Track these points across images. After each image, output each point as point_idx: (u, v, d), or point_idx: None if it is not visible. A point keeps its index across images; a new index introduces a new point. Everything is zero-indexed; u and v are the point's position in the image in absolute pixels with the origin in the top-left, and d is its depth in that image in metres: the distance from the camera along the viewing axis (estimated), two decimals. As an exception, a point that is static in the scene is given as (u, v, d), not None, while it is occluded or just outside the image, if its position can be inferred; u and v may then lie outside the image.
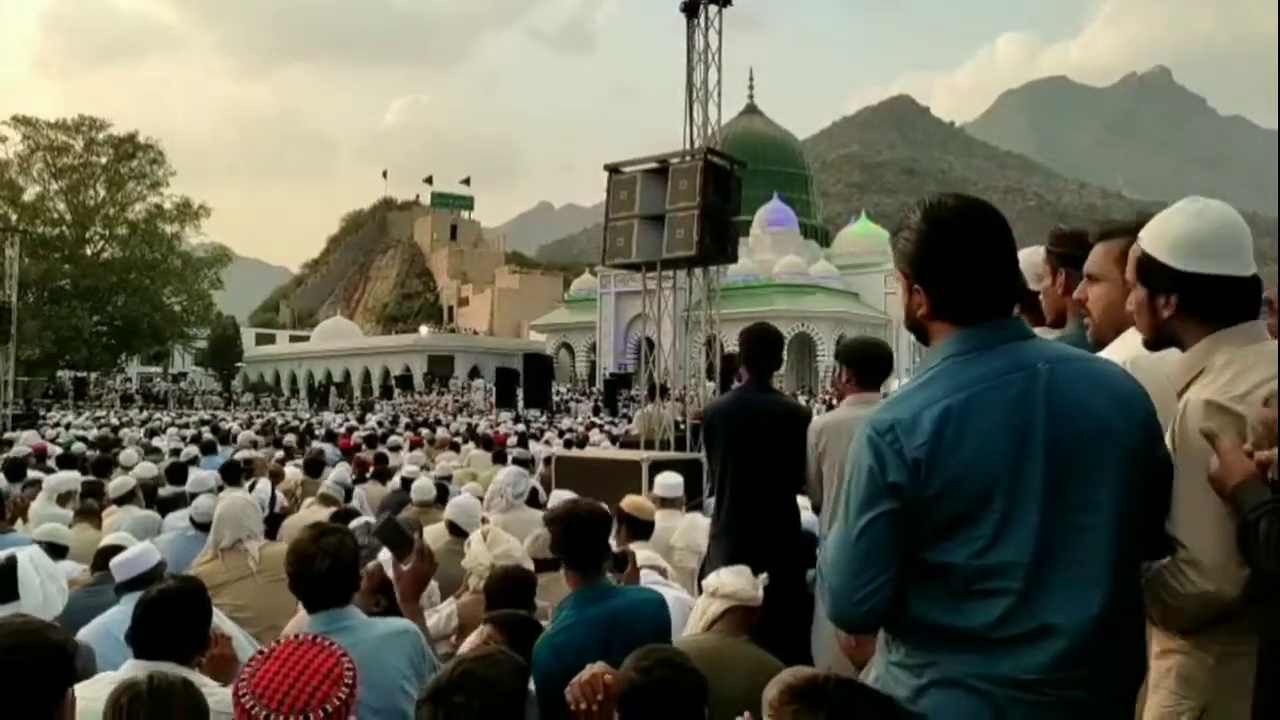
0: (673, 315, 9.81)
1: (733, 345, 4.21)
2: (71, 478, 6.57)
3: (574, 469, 7.64)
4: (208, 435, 13.39)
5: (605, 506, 2.83)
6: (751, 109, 62.65)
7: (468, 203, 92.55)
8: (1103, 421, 1.50)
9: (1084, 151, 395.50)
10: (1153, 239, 1.72)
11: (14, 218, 42.83)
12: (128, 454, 9.83)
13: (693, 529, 4.58)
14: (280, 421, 23.96)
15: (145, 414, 33.18)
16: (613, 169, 9.10)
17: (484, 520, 4.53)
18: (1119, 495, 1.49)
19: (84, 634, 2.95)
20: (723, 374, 10.34)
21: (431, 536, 4.35)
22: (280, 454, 10.76)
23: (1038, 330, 2.50)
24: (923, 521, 1.49)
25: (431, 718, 1.66)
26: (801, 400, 27.86)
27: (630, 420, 17.22)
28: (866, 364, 3.68)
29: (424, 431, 16.17)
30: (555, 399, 34.41)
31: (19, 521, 5.64)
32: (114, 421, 24.11)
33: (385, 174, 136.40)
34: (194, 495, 5.68)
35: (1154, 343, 1.77)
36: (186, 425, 20.78)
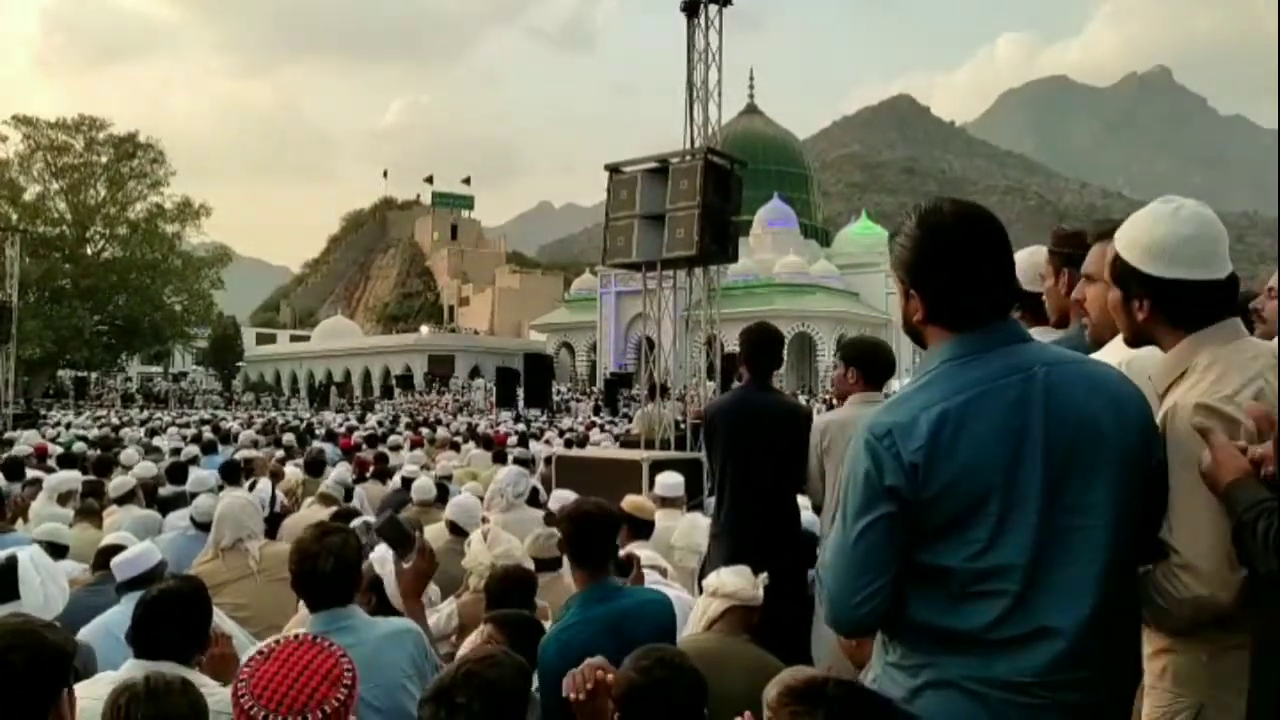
0: (673, 315, 9.81)
1: (733, 345, 4.22)
2: (72, 477, 6.58)
3: (574, 468, 7.64)
4: (208, 435, 13.40)
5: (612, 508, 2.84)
6: (752, 108, 62.65)
7: (468, 202, 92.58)
8: (1099, 424, 1.50)
9: (1084, 151, 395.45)
10: (1126, 243, 1.71)
11: (14, 217, 42.76)
12: (128, 453, 9.84)
13: (693, 529, 4.57)
14: (281, 421, 23.98)
15: (146, 413, 33.19)
16: (613, 169, 9.10)
17: (484, 520, 4.53)
18: (1116, 498, 1.49)
19: (84, 633, 2.95)
20: (723, 374, 10.33)
21: (432, 536, 4.34)
22: (280, 454, 10.76)
23: (1042, 330, 2.51)
24: (920, 524, 1.49)
25: (433, 717, 1.66)
26: (801, 400, 27.87)
27: (630, 420, 17.22)
28: (872, 363, 3.68)
29: (424, 431, 16.17)
30: (555, 399, 34.42)
31: (20, 521, 5.64)
32: (114, 421, 24.13)
33: (386, 173, 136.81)
34: (194, 495, 5.68)
35: (1132, 343, 1.77)
36: (187, 425, 20.80)
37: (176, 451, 10.11)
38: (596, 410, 32.43)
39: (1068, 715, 1.46)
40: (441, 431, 16.13)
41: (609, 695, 1.95)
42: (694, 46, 10.07)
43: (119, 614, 3.00)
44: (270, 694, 1.67)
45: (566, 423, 22.88)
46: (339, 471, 7.20)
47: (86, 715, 1.88)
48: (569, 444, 12.37)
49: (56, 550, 4.23)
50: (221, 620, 2.90)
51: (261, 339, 76.57)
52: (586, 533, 2.66)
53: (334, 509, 5.35)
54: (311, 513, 5.67)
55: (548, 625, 2.75)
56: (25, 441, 11.80)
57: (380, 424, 20.96)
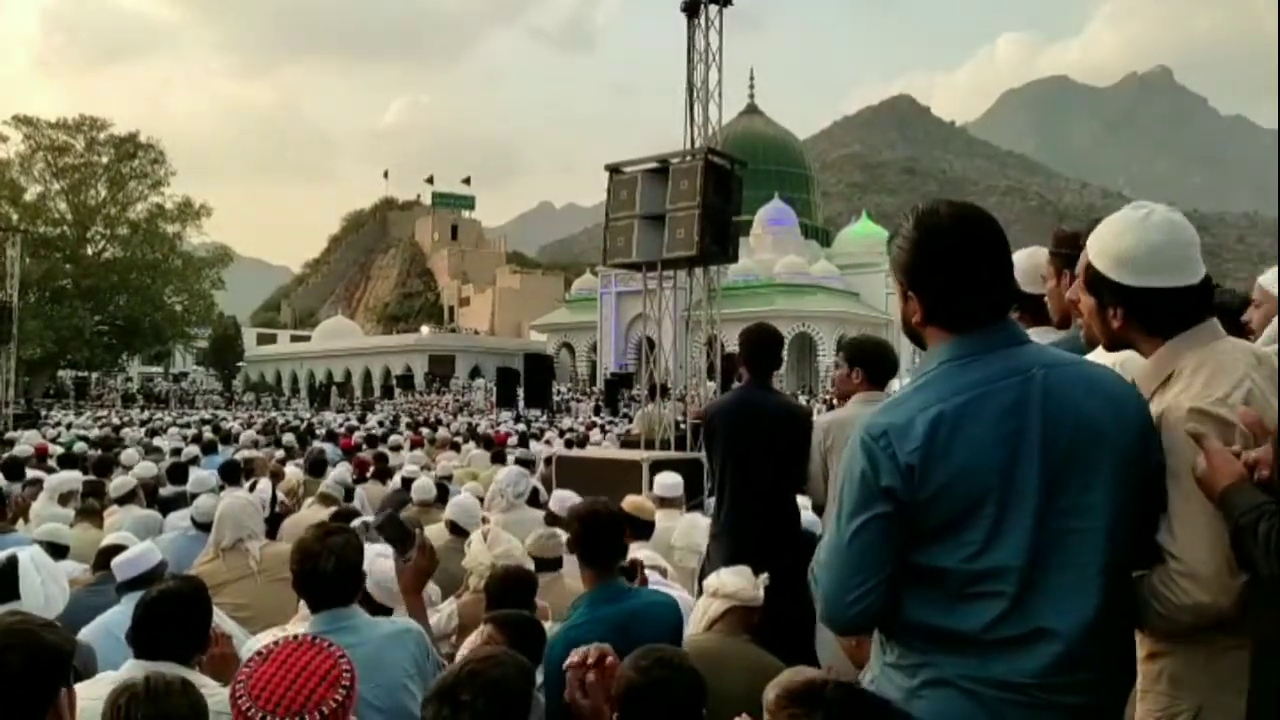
0: (673, 315, 9.81)
1: (733, 345, 4.22)
2: (73, 477, 6.58)
3: (574, 469, 7.64)
4: (209, 435, 13.41)
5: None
6: (752, 109, 62.64)
7: (468, 202, 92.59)
8: (1097, 426, 1.50)
9: (1085, 151, 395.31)
10: (1097, 251, 1.70)
11: (15, 217, 42.77)
12: (129, 454, 9.84)
13: (692, 529, 4.58)
14: (281, 421, 23.99)
15: (146, 414, 33.23)
16: (613, 169, 9.11)
17: (484, 520, 4.53)
18: (1113, 500, 1.49)
19: (85, 633, 2.95)
20: (723, 374, 10.33)
21: (432, 536, 4.33)
22: (281, 454, 10.77)
23: (1043, 331, 2.51)
24: (916, 525, 1.50)
25: (436, 715, 1.67)
26: (802, 400, 27.85)
27: (631, 420, 17.22)
28: (876, 363, 3.69)
29: (425, 431, 16.17)
30: (556, 399, 34.41)
31: (20, 521, 5.64)
32: (115, 421, 24.15)
33: (386, 174, 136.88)
34: (195, 495, 5.69)
35: (1110, 348, 1.76)
36: (187, 425, 20.83)
37: (177, 452, 10.11)
38: (597, 410, 32.44)
39: (1066, 717, 1.46)
40: (442, 432, 16.13)
41: (612, 677, 1.95)
42: (694, 47, 10.08)
43: (119, 614, 3.00)
44: (268, 695, 1.67)
45: (567, 423, 22.90)
46: (338, 472, 7.20)
47: (87, 715, 1.87)
48: (569, 444, 12.37)
49: (57, 550, 4.23)
50: (222, 620, 2.90)
51: (262, 339, 76.61)
52: (596, 532, 2.67)
53: (334, 509, 5.35)
54: (312, 513, 5.67)
55: (548, 625, 2.75)
56: (26, 441, 11.81)
57: (381, 424, 20.96)
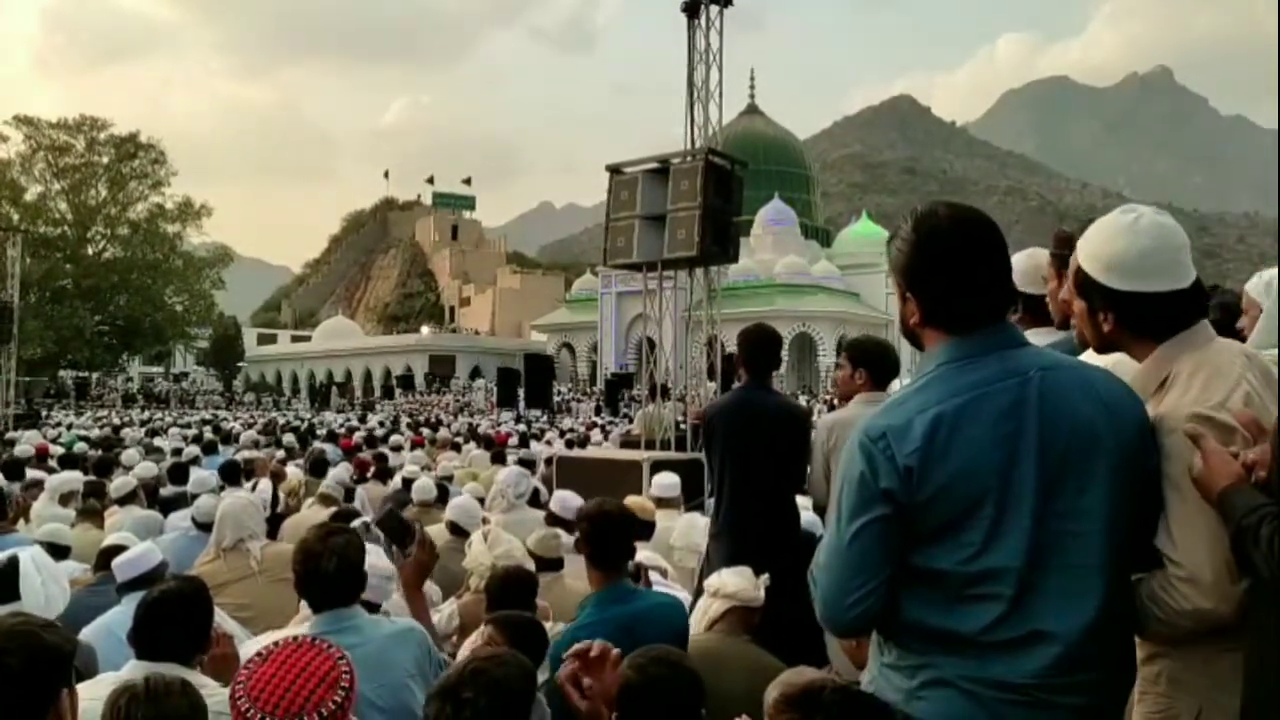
0: (674, 315, 9.83)
1: (733, 345, 4.22)
2: (73, 478, 6.57)
3: (575, 469, 7.65)
4: (209, 435, 13.41)
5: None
6: (753, 109, 62.60)
7: (469, 203, 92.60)
8: (1093, 429, 1.50)
9: (1085, 151, 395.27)
10: (1086, 256, 1.70)
11: (16, 217, 42.85)
12: (129, 454, 9.84)
13: (692, 529, 4.58)
14: (281, 421, 23.99)
15: (147, 414, 33.25)
16: (614, 169, 9.12)
17: (485, 520, 4.54)
18: (1111, 502, 1.49)
19: (86, 634, 2.96)
20: (724, 374, 10.34)
21: (432, 537, 4.35)
22: (281, 454, 10.77)
23: (1045, 332, 2.51)
24: (914, 527, 1.50)
25: (439, 713, 1.67)
26: (802, 400, 27.86)
27: (631, 420, 17.22)
28: (879, 364, 3.69)
29: (425, 431, 16.17)
30: (556, 399, 34.42)
31: (21, 522, 5.64)
32: (115, 421, 24.15)
33: (387, 174, 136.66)
34: (195, 495, 5.69)
35: (1100, 351, 1.76)
36: (188, 425, 20.81)
37: (178, 452, 10.12)
38: (597, 411, 32.45)
39: (1066, 717, 1.47)
40: (442, 432, 16.13)
41: (613, 678, 1.96)
42: (694, 47, 10.09)
43: (120, 614, 3.01)
44: (267, 696, 1.67)
45: (567, 423, 22.90)
46: (338, 472, 7.20)
47: (87, 715, 1.87)
48: (570, 444, 12.37)
49: (58, 551, 4.23)
50: (223, 621, 2.91)
51: (262, 339, 76.60)
52: (605, 533, 2.67)
53: (334, 509, 5.35)
54: (312, 513, 5.67)
55: (548, 626, 2.75)
56: (26, 442, 11.81)
57: (381, 424, 20.96)
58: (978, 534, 1.47)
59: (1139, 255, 1.63)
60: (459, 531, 4.54)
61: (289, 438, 13.67)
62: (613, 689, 1.95)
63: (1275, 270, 2.50)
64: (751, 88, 63.11)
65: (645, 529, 4.43)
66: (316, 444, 11.74)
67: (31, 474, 7.54)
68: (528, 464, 8.35)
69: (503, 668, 1.74)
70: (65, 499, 6.00)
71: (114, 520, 5.68)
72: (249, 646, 2.49)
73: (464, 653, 2.52)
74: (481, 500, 5.60)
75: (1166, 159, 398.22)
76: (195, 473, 6.80)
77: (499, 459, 9.21)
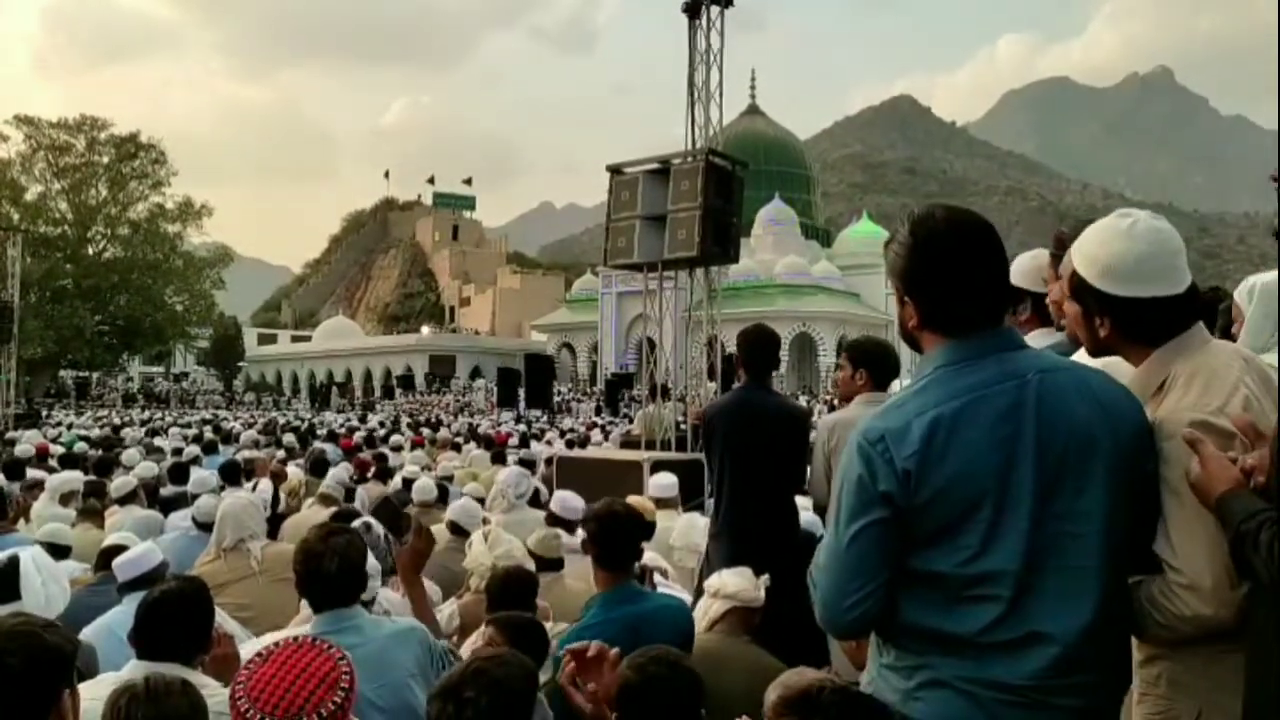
0: (674, 315, 9.83)
1: (734, 346, 4.23)
2: (74, 477, 6.58)
3: (575, 469, 7.65)
4: (209, 435, 13.42)
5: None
6: (753, 109, 62.58)
7: (469, 203, 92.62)
8: (1091, 431, 1.51)
9: (1086, 152, 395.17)
10: (1082, 260, 1.69)
11: (16, 217, 42.84)
12: (130, 454, 9.84)
13: (691, 529, 4.59)
14: (282, 421, 23.99)
15: (147, 414, 33.24)
16: (614, 169, 9.11)
17: (485, 520, 4.54)
18: (1107, 505, 1.49)
19: (87, 633, 2.96)
20: (724, 374, 10.34)
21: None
22: (281, 454, 10.77)
23: (1046, 333, 2.51)
24: (913, 530, 1.50)
25: (441, 712, 1.68)
26: (803, 400, 27.86)
27: (631, 420, 17.23)
28: (880, 365, 3.70)
29: (425, 431, 16.17)
30: (556, 399, 34.43)
31: (21, 522, 5.65)
32: (116, 421, 24.16)
33: (387, 174, 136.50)
34: (196, 495, 5.69)
35: (1094, 354, 1.76)
36: (188, 425, 20.82)
37: (178, 452, 10.12)
38: (598, 411, 32.46)
39: (1063, 718, 1.47)
40: (443, 432, 16.14)
41: (615, 666, 1.96)
42: (695, 47, 10.08)
43: (121, 614, 3.01)
44: (266, 697, 1.67)
45: (567, 423, 22.90)
46: (338, 472, 7.20)
47: (88, 715, 1.88)
48: (570, 445, 12.38)
49: (58, 551, 4.23)
50: (224, 620, 2.91)
51: (263, 339, 76.62)
52: (614, 533, 2.67)
53: (334, 509, 5.35)
54: (312, 513, 5.67)
55: (549, 626, 2.75)
56: (27, 441, 11.81)
57: (381, 424, 20.96)
58: (975, 536, 1.47)
59: (1135, 260, 1.63)
60: (459, 531, 4.55)
61: (289, 438, 13.67)
62: (613, 689, 1.95)
63: (1257, 277, 2.51)
64: (752, 88, 63.13)
65: (646, 530, 4.42)
66: (317, 444, 11.75)
67: (32, 474, 7.55)
68: (528, 464, 8.35)
69: (504, 668, 1.75)
70: (65, 499, 6.00)
71: (114, 520, 5.69)
72: (250, 647, 2.49)
73: (465, 653, 2.52)
74: (482, 500, 5.61)
75: (1167, 159, 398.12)
76: (195, 473, 6.80)
77: (499, 459, 9.22)
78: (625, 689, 1.92)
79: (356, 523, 4.24)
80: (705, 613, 2.88)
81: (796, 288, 49.12)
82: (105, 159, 51.81)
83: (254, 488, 6.47)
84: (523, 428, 19.04)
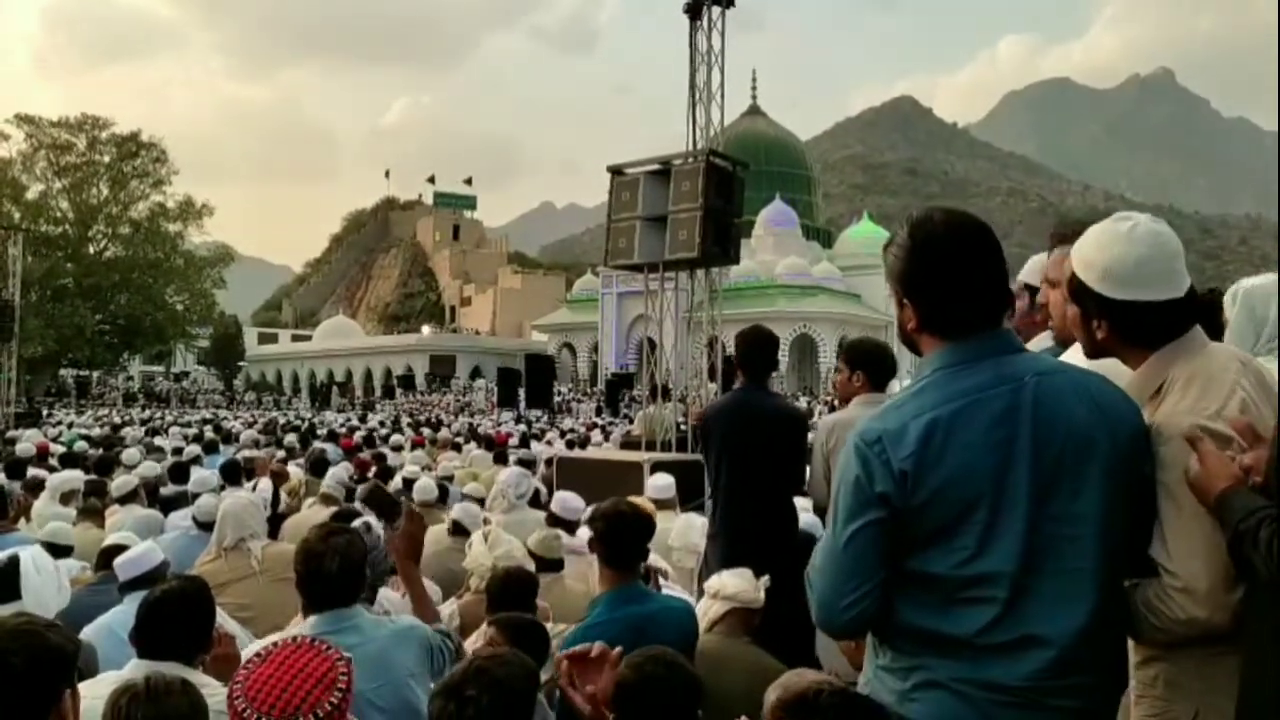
0: (675, 316, 9.83)
1: (734, 347, 4.23)
2: (74, 476, 6.58)
3: (575, 470, 7.65)
4: (210, 434, 13.42)
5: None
6: (754, 110, 62.60)
7: (470, 202, 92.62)
8: (1087, 434, 1.51)
9: (1087, 153, 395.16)
10: (1081, 263, 1.69)
11: (17, 216, 42.83)
12: (130, 453, 9.84)
13: (689, 529, 4.58)
14: (282, 421, 24.01)
15: (147, 413, 33.24)
16: (615, 170, 9.12)
17: (485, 521, 4.54)
18: (1103, 507, 1.50)
19: (88, 633, 2.96)
20: (724, 375, 10.34)
21: (433, 537, 4.36)
22: (282, 454, 10.78)
23: (1047, 334, 2.51)
24: (909, 531, 1.51)
25: (442, 709, 1.69)
26: (803, 401, 27.87)
27: (632, 421, 17.23)
28: (876, 365, 3.71)
29: (426, 431, 16.18)
30: (557, 399, 34.44)
31: (22, 521, 5.65)
32: (116, 420, 24.18)
33: (388, 174, 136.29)
34: (196, 495, 5.69)
35: (1092, 357, 1.76)
36: (189, 424, 20.84)
37: (178, 451, 10.12)
38: (598, 411, 32.46)
39: (1058, 719, 1.47)
40: (443, 432, 16.14)
41: (613, 665, 1.96)
42: (696, 48, 10.09)
43: (122, 613, 3.01)
44: (263, 697, 1.68)
45: (568, 423, 22.90)
46: (339, 471, 7.20)
47: (88, 715, 1.88)
48: (570, 445, 12.38)
49: (59, 550, 4.23)
50: (225, 620, 2.91)
51: (263, 339, 76.66)
52: (620, 533, 2.67)
53: (334, 509, 5.35)
54: (312, 513, 5.67)
55: (549, 626, 2.75)
56: (27, 440, 11.82)
57: (382, 424, 20.97)
58: (971, 538, 1.48)
59: (1135, 264, 1.63)
60: (460, 531, 4.55)
61: (290, 437, 13.68)
62: (611, 690, 1.95)
63: (1244, 282, 2.52)
64: (753, 89, 63.16)
65: (652, 530, 4.43)
66: (317, 444, 11.75)
67: (32, 473, 7.54)
68: (528, 464, 8.36)
69: (505, 667, 1.75)
70: (66, 498, 6.01)
71: (115, 519, 5.69)
72: (251, 648, 2.49)
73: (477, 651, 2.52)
74: (482, 500, 5.61)
75: (1168, 161, 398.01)
76: (196, 472, 6.80)
77: (500, 459, 9.22)
78: (622, 688, 1.92)
79: (357, 523, 4.25)
80: (705, 614, 2.89)
81: (797, 289, 49.14)
82: (106, 158, 51.80)
83: (254, 487, 6.46)
84: (523, 428, 19.03)
